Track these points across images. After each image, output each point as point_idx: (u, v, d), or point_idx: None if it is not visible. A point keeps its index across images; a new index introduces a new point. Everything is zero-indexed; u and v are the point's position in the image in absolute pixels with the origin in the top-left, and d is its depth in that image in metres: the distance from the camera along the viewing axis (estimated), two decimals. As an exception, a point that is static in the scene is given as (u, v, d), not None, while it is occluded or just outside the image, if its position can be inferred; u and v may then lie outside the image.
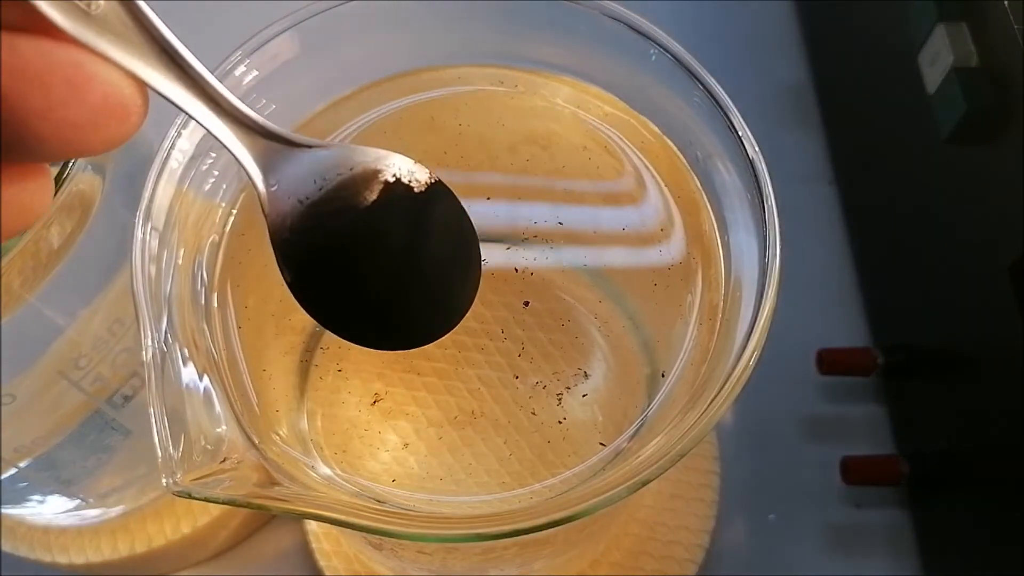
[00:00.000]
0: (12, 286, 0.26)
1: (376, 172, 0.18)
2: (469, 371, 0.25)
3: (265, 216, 0.18)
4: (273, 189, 0.17)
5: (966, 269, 0.34)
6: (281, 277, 0.25)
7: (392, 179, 0.18)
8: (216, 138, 0.17)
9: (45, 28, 0.13)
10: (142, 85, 0.14)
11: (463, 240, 0.20)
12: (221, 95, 0.16)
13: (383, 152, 0.18)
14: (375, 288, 0.19)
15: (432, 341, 0.21)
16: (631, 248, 0.26)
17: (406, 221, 0.19)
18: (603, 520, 0.32)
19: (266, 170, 0.17)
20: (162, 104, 0.16)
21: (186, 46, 0.15)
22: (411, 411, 0.25)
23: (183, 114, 0.16)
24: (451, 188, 0.20)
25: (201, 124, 0.16)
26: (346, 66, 0.27)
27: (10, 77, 0.12)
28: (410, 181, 0.18)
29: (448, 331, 0.21)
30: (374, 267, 0.19)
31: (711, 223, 0.25)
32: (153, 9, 0.14)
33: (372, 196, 0.18)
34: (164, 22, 0.15)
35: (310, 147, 0.17)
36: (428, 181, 0.19)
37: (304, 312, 0.19)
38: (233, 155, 0.17)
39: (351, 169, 0.18)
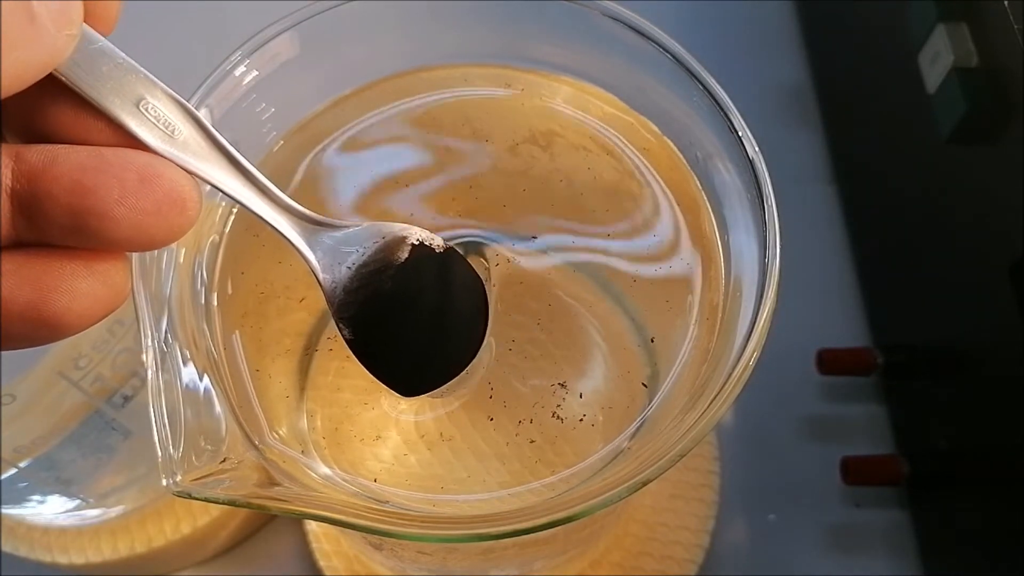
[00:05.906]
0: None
1: (403, 238, 0.22)
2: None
3: (321, 285, 0.21)
4: (324, 261, 0.21)
5: (966, 269, 0.34)
6: (282, 277, 0.25)
7: (417, 242, 0.22)
8: (274, 228, 0.20)
9: (127, 143, 0.17)
10: (198, 184, 0.18)
11: (477, 296, 0.23)
12: (278, 196, 0.20)
13: (405, 224, 0.22)
14: (415, 335, 0.22)
15: (439, 386, 0.23)
16: (630, 248, 0.26)
17: (434, 276, 0.22)
18: (603, 520, 0.32)
19: (315, 249, 0.21)
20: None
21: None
22: (412, 410, 0.25)
23: (249, 212, 0.19)
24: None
25: (262, 218, 0.19)
26: (346, 66, 0.27)
27: (94, 173, 0.16)
28: (431, 244, 0.22)
29: (453, 377, 0.23)
30: (415, 315, 0.22)
31: (711, 223, 0.25)
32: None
33: (404, 255, 0.21)
34: (227, 140, 0.18)
35: (347, 227, 0.21)
36: (444, 245, 0.22)
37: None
38: (289, 241, 0.20)
39: (383, 237, 0.21)
